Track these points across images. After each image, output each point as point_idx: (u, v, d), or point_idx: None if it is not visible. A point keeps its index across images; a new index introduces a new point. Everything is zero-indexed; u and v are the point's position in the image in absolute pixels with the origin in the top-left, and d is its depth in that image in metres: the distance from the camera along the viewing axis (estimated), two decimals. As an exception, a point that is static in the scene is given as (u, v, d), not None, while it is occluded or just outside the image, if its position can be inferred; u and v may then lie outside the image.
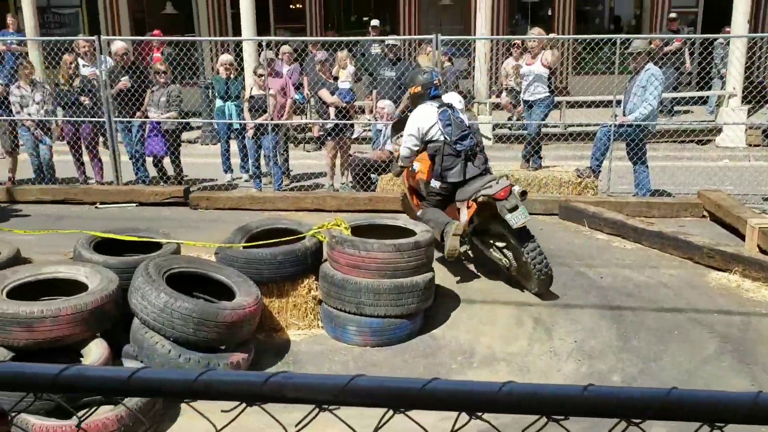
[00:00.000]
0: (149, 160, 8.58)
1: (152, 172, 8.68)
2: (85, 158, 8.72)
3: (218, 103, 9.12)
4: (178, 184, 8.48)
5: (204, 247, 5.41)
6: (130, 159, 8.60)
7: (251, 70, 9.29)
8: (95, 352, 3.87)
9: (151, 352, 4.02)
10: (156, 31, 12.40)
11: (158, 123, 8.31)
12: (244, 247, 5.04)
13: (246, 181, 9.08)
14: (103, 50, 8.31)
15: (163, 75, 8.35)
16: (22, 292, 4.21)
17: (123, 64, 8.50)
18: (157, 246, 5.06)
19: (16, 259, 4.85)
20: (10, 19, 11.93)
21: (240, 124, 8.73)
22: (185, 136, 10.40)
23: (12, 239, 5.30)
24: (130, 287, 4.24)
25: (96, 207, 7.91)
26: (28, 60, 9.05)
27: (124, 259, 4.69)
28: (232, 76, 8.94)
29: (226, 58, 9.00)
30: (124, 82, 8.29)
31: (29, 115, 8.26)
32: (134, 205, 7.94)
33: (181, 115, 8.63)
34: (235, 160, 9.30)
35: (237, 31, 12.65)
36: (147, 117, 8.35)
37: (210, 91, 11.16)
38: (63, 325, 3.83)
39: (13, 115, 8.33)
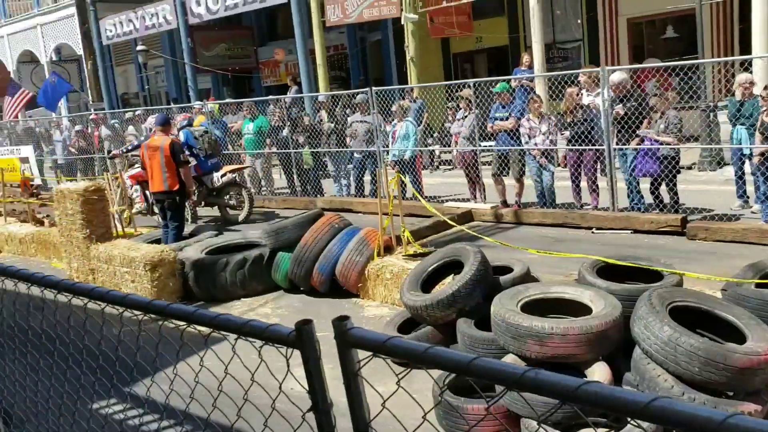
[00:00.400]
0: (645, 188, 8.48)
1: (648, 199, 8.57)
2: (583, 184, 9.12)
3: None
4: (674, 212, 8.18)
5: (707, 282, 5.08)
6: (627, 186, 8.65)
7: (761, 89, 8.37)
8: (598, 374, 3.98)
9: (653, 384, 3.93)
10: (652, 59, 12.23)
11: (655, 148, 8.15)
12: (757, 286, 4.55)
13: (753, 212, 8.21)
14: (604, 80, 8.58)
15: (664, 101, 8.18)
16: (531, 307, 4.61)
17: (618, 93, 8.62)
18: (658, 276, 4.95)
19: (527, 276, 5.35)
20: (526, 57, 13.29)
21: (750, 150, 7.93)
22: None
23: (521, 258, 5.87)
24: (632, 315, 4.23)
25: (592, 232, 8.20)
26: (537, 94, 9.92)
27: (626, 287, 4.72)
28: (748, 96, 8.17)
29: (744, 77, 8.26)
30: (618, 109, 8.39)
31: (536, 144, 9.06)
32: (629, 232, 7.97)
33: (681, 141, 8.31)
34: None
35: (745, 48, 11.63)
36: (642, 142, 8.27)
37: (711, 113, 10.50)
38: (569, 343, 4.04)
39: (522, 145, 9.25)
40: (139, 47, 20.16)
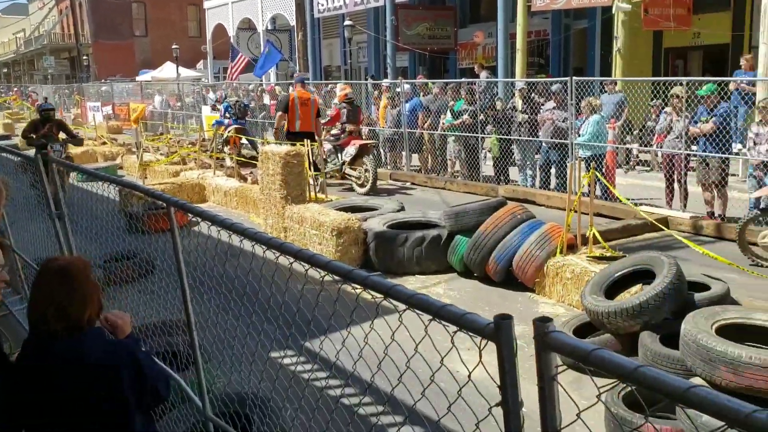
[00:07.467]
0: None
1: None
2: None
3: None
4: None
5: None
6: None
7: None
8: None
9: None
10: None
11: None
12: None
13: None
14: None
15: None
16: (727, 332, 4.22)
17: None
18: None
19: (725, 298, 4.91)
20: (744, 59, 12.12)
21: None
22: None
23: (725, 277, 5.40)
24: None
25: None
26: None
27: None
28: None
29: None
30: None
31: (758, 153, 8.24)
32: None
33: None
34: None
35: None
36: None
37: None
38: (769, 377, 3.66)
39: (746, 153, 8.46)
40: (347, 22, 21.03)
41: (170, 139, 18.45)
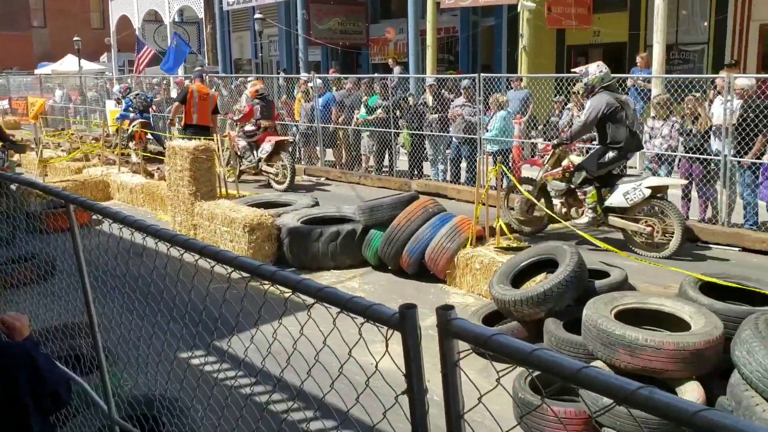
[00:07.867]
0: (762, 205, 8.00)
1: (764, 216, 8.08)
2: (693, 194, 8.69)
3: None
4: (790, 234, 7.68)
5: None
6: (743, 201, 8.18)
7: None
8: (690, 394, 3.81)
9: (749, 412, 3.73)
10: None
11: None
12: None
13: None
14: (728, 87, 8.11)
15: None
16: (625, 316, 4.46)
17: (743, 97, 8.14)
18: (765, 300, 4.67)
19: (624, 284, 5.18)
20: (640, 57, 12.77)
21: None
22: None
23: (621, 264, 5.68)
24: (734, 338, 4.02)
25: (696, 245, 7.81)
26: (668, 95, 9.42)
27: (731, 307, 4.49)
28: None
29: None
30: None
31: (653, 146, 8.69)
32: (737, 249, 7.55)
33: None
34: None
35: None
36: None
37: None
38: (663, 358, 3.89)
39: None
40: (257, 15, 20.69)
41: (72, 134, 17.63)
